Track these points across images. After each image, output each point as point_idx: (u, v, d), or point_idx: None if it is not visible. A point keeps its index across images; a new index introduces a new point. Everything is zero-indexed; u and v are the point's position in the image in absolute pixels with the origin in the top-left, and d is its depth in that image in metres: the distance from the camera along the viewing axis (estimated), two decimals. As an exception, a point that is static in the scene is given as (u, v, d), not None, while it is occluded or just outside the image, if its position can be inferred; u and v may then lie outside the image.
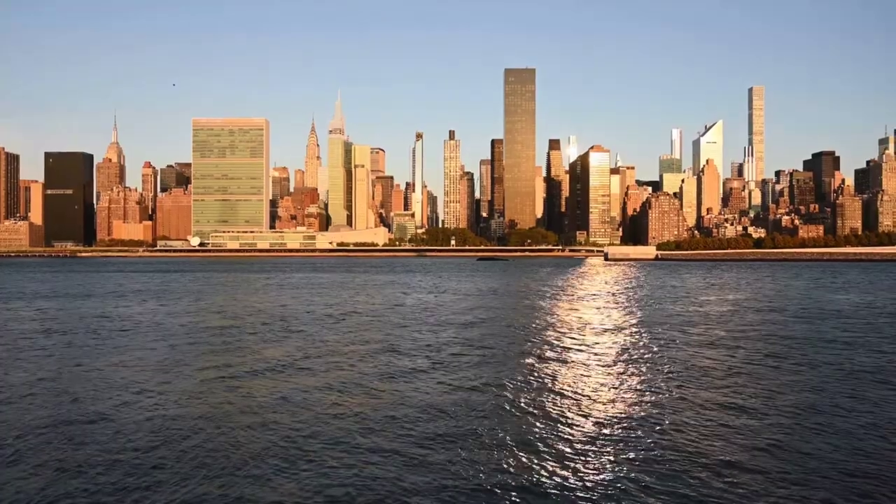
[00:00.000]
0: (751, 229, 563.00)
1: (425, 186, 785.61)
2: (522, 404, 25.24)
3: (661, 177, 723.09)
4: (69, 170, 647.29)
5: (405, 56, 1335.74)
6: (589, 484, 17.05)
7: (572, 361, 34.94)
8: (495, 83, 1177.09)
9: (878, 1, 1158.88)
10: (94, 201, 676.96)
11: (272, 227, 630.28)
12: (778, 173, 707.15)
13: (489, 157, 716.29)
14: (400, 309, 66.32)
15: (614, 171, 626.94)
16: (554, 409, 24.48)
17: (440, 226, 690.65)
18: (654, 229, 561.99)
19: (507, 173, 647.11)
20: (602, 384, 28.96)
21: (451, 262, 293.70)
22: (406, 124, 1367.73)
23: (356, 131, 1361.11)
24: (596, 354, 37.13)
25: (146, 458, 18.85)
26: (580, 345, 41.01)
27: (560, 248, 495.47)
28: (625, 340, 42.95)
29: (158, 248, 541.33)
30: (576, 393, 27.26)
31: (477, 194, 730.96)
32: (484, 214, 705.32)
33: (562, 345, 41.08)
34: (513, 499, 16.19)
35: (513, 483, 17.11)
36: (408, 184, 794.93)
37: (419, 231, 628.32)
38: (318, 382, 29.24)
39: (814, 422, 22.61)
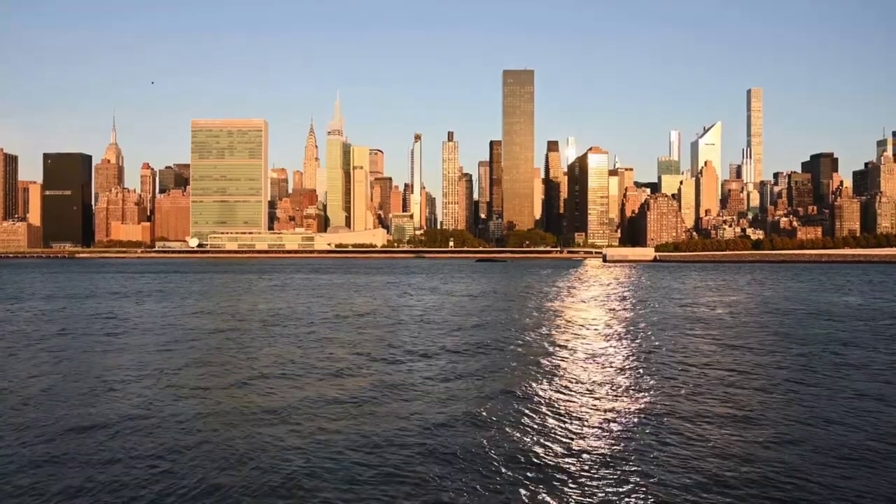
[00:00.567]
0: (749, 231, 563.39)
1: (424, 188, 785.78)
2: (521, 405, 25.29)
3: (659, 178, 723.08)
4: (68, 171, 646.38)
5: (404, 56, 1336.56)
6: (587, 484, 17.11)
7: (571, 363, 35.00)
8: (494, 84, 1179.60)
9: (878, 1, 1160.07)
10: (93, 202, 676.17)
11: (270, 228, 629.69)
12: (776, 175, 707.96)
13: (488, 159, 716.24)
14: (399, 310, 66.34)
15: (613, 172, 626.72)
16: (553, 410, 24.53)
17: (439, 227, 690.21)
18: (652, 231, 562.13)
19: (506, 175, 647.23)
20: (600, 385, 29.01)
21: (449, 264, 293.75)
22: (405, 125, 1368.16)
23: (355, 132, 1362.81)
24: (594, 356, 37.19)
25: (146, 459, 18.89)
26: (579, 346, 41.08)
27: (558, 249, 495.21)
28: (623, 342, 43.02)
29: (157, 249, 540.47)
30: (574, 394, 27.32)
31: (475, 196, 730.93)
32: (482, 216, 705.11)
33: (560, 347, 41.15)
34: (512, 498, 16.25)
35: (512, 483, 17.18)
36: (406, 185, 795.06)
37: (418, 232, 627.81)
38: (317, 383, 29.27)
39: (813, 422, 22.68)
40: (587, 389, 28.17)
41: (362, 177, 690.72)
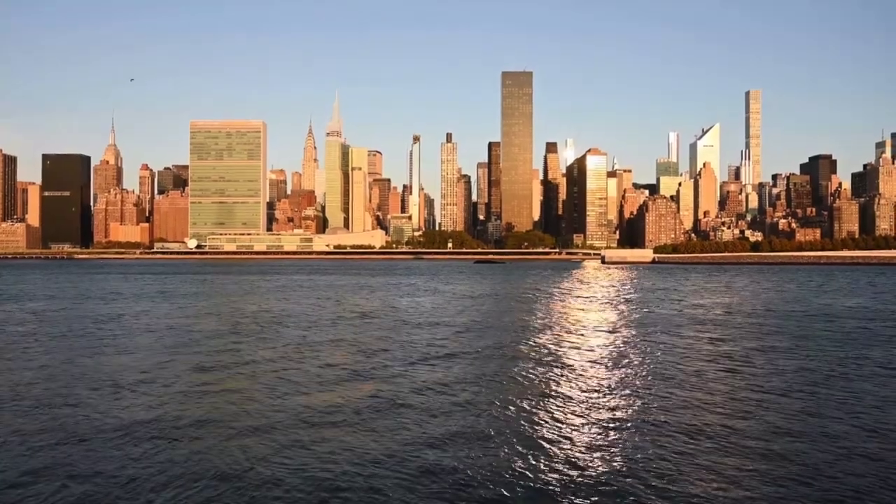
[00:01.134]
0: (748, 233, 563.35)
1: (422, 189, 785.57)
2: (519, 407, 25.38)
3: (658, 180, 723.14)
4: (67, 172, 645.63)
5: (403, 56, 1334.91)
6: (584, 485, 17.19)
7: (569, 365, 35.09)
8: (493, 85, 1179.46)
9: (878, 1, 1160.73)
10: (92, 203, 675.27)
11: (269, 229, 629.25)
12: (775, 177, 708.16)
13: (486, 160, 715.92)
14: (397, 311, 66.41)
15: (611, 174, 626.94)
16: (550, 411, 24.63)
17: (437, 228, 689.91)
18: (650, 232, 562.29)
19: (504, 176, 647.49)
20: (599, 387, 29.11)
21: (448, 265, 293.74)
22: (403, 126, 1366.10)
23: (353, 133, 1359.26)
24: (593, 358, 37.29)
25: (146, 461, 18.97)
26: (577, 348, 41.18)
27: (557, 250, 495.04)
28: (621, 344, 43.11)
29: (155, 250, 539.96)
30: (572, 396, 27.42)
31: (474, 197, 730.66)
32: (481, 217, 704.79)
33: (559, 348, 41.24)
34: (510, 498, 16.33)
35: (509, 483, 17.25)
36: (405, 186, 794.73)
37: (416, 234, 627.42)
38: (315, 385, 29.34)
39: (811, 423, 22.78)
40: (586, 390, 28.25)
41: (361, 178, 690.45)
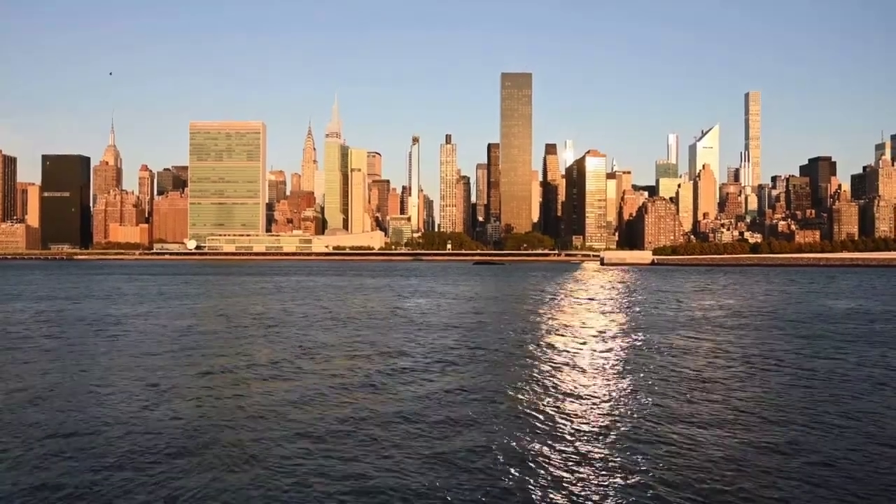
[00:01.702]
0: (747, 234, 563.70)
1: (421, 190, 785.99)
2: (518, 408, 25.39)
3: (657, 181, 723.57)
4: (66, 172, 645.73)
5: (403, 57, 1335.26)
6: (583, 486, 17.20)
7: (568, 366, 35.11)
8: (492, 86, 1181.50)
9: (878, 1, 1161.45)
10: (91, 204, 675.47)
11: (268, 230, 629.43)
12: (774, 178, 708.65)
13: (485, 161, 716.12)
14: (396, 313, 66.42)
15: (610, 175, 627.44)
16: (549, 412, 24.63)
17: (436, 230, 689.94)
18: (650, 234, 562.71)
19: (504, 177, 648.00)
20: (598, 388, 29.12)
21: (447, 267, 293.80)
22: (403, 127, 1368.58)
23: (353, 134, 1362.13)
24: (591, 359, 37.31)
25: (144, 462, 18.98)
26: (576, 350, 41.20)
27: (556, 252, 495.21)
28: (620, 345, 43.13)
29: (155, 251, 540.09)
30: (571, 397, 27.43)
31: (473, 198, 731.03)
32: (480, 218, 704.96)
33: (558, 350, 41.26)
34: (509, 498, 16.34)
35: (509, 484, 17.26)
36: (404, 187, 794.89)
37: (415, 235, 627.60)
38: (315, 386, 29.33)
39: (810, 423, 22.79)
40: (586, 391, 28.26)
41: (360, 179, 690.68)
